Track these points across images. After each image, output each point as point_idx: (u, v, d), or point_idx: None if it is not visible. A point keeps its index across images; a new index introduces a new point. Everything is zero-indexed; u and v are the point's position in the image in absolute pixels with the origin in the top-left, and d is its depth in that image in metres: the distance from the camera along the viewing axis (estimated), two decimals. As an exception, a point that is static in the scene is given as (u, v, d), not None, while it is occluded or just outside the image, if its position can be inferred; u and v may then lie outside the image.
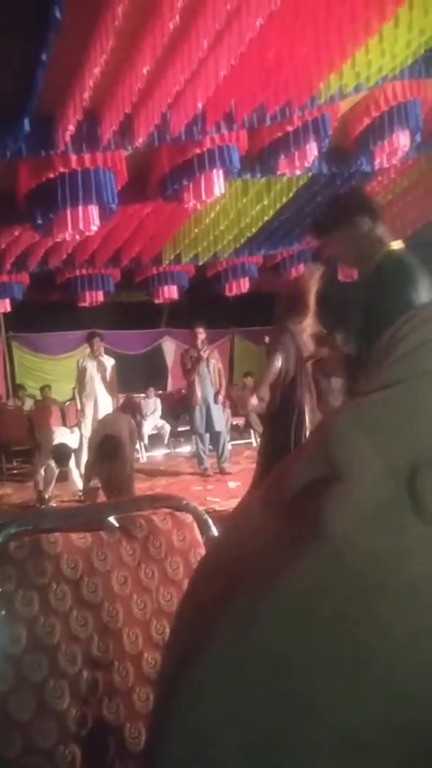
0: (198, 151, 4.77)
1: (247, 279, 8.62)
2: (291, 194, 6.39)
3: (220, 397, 6.37)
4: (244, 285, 8.69)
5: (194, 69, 3.64)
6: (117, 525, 1.13)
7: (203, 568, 0.38)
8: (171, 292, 8.57)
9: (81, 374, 6.03)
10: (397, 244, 2.05)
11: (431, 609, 0.28)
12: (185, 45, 3.45)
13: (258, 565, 0.32)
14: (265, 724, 0.27)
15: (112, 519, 1.17)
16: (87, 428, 5.68)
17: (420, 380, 0.35)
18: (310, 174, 5.87)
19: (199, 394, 6.29)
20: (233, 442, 7.67)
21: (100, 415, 5.54)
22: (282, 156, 5.09)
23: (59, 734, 0.92)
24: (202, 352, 6.33)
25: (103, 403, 5.89)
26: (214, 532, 1.11)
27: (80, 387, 6.04)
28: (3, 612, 0.91)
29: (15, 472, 7.42)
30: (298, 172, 5.48)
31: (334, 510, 0.31)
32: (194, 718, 0.28)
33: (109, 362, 6.10)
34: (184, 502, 1.15)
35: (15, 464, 7.69)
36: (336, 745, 0.26)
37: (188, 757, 0.28)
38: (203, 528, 1.10)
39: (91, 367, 5.99)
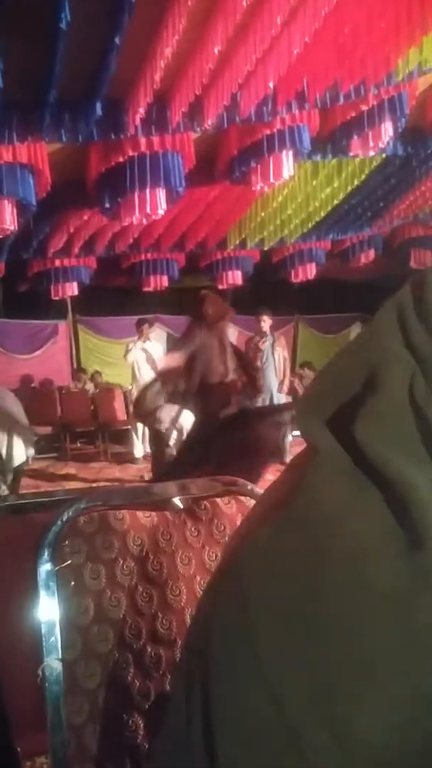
0: (268, 131, 4.69)
1: (314, 265, 8.45)
2: (363, 176, 6.18)
3: (284, 387, 6.28)
4: (310, 271, 8.52)
5: (266, 47, 3.56)
6: (182, 506, 1.14)
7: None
8: (235, 277, 8.53)
9: (129, 360, 6.16)
10: None
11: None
12: (258, 22, 3.38)
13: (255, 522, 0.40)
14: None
15: (176, 500, 1.18)
16: None
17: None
18: (384, 155, 5.65)
19: (262, 382, 6.23)
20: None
21: None
22: (355, 136, 4.92)
23: (123, 704, 0.94)
24: (261, 343, 6.24)
25: None
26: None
27: (132, 372, 6.16)
28: (72, 583, 0.93)
29: (79, 452, 7.67)
30: (371, 153, 5.28)
31: (310, 471, 0.37)
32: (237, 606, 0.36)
33: (157, 347, 6.17)
34: (249, 487, 1.14)
35: (79, 445, 7.93)
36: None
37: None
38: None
39: (139, 352, 6.08)
